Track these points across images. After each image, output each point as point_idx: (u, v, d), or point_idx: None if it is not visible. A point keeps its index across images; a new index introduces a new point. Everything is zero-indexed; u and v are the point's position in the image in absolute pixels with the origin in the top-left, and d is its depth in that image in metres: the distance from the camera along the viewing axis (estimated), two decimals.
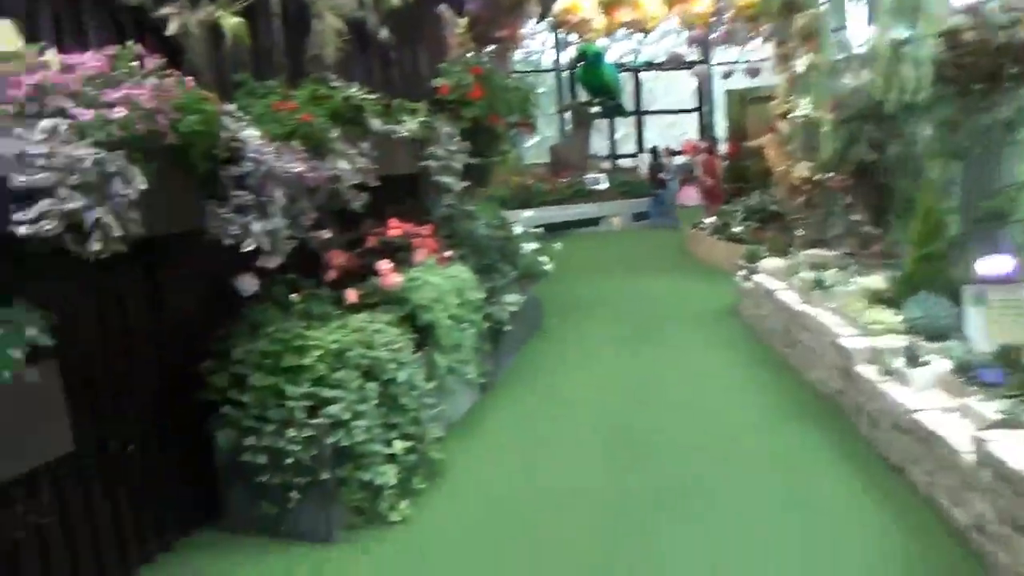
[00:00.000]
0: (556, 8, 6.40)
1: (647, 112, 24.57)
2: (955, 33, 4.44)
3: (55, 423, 2.21)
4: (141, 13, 3.27)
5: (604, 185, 17.12)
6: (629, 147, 24.20)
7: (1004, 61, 4.40)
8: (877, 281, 5.61)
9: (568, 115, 20.65)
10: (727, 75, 17.06)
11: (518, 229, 6.79)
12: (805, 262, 6.82)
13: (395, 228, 4.59)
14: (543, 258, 6.79)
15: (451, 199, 5.59)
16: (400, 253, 4.50)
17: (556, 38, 23.54)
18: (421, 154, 5.42)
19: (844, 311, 5.11)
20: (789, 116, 8.70)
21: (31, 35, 2.80)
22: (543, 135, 27.47)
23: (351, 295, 3.94)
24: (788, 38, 8.68)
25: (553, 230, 14.98)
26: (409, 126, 4.84)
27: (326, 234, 3.65)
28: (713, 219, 12.56)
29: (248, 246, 3.14)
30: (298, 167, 3.44)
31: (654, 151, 16.72)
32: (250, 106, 3.67)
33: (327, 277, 4.12)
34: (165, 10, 3.28)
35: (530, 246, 6.76)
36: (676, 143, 22.25)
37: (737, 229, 10.92)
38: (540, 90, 27.79)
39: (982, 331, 4.30)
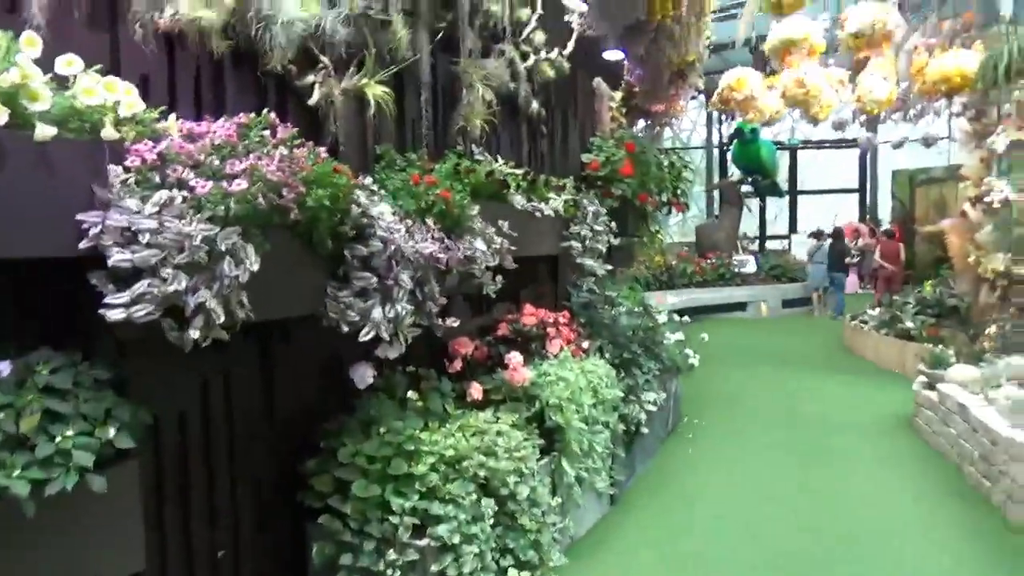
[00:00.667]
0: (720, 84, 5.97)
1: (804, 192, 23.37)
2: None
3: (122, 538, 1.90)
4: (284, 79, 3.13)
5: (752, 268, 16.17)
6: (782, 228, 23.02)
7: None
8: None
9: (717, 193, 19.91)
10: (898, 145, 15.65)
11: (662, 316, 6.23)
12: (1007, 373, 5.79)
13: (529, 315, 4.20)
14: (688, 350, 6.17)
15: (592, 283, 5.15)
16: (532, 343, 4.09)
17: (708, 114, 23.07)
18: (564, 234, 5.06)
19: None
20: (983, 200, 7.67)
21: (167, 99, 2.68)
22: (688, 214, 26.86)
23: (475, 390, 3.55)
24: (986, 111, 7.74)
25: (697, 314, 14.23)
26: (554, 204, 4.49)
27: (454, 322, 3.29)
28: (878, 311, 11.38)
29: (367, 335, 2.82)
30: (430, 247, 3.13)
31: (837, 233, 15.32)
32: (388, 180, 3.43)
33: (451, 368, 3.76)
34: (309, 78, 3.12)
35: (674, 336, 6.17)
36: (832, 225, 20.91)
37: (909, 324, 9.75)
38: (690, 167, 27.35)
39: None
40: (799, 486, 5.08)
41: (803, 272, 16.84)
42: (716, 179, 21.04)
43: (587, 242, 5.09)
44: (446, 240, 3.31)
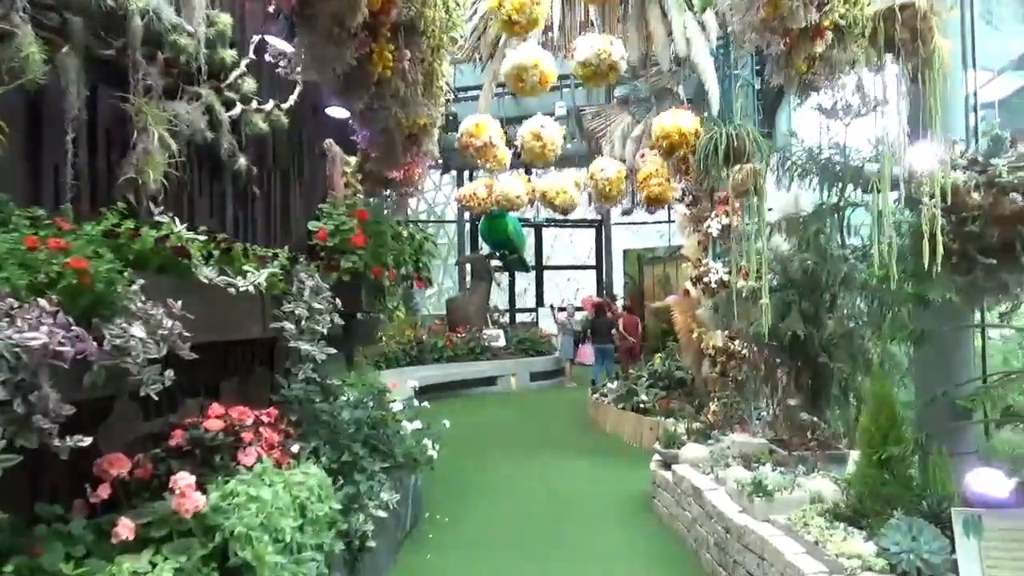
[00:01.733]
0: (461, 130, 5.59)
1: (549, 267, 24.48)
2: (955, 194, 3.80)
3: None
4: None
5: (502, 342, 16.27)
6: (530, 302, 23.80)
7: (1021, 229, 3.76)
8: (827, 486, 4.70)
9: (468, 267, 20.07)
10: (627, 212, 16.59)
11: (397, 404, 5.60)
12: (732, 451, 5.91)
13: (215, 417, 3.33)
14: (427, 440, 5.57)
15: (309, 371, 4.39)
16: (218, 455, 3.22)
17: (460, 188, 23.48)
18: (276, 313, 4.27)
19: (798, 530, 4.12)
20: (702, 279, 8.13)
21: None
22: (443, 287, 26.91)
23: (123, 528, 2.61)
24: (701, 199, 8.29)
25: (448, 390, 13.84)
26: (255, 278, 3.71)
27: (81, 440, 2.38)
28: (616, 384, 11.75)
29: None
30: (39, 338, 2.22)
31: (599, 307, 15.45)
32: None
33: (95, 496, 2.78)
34: None
35: (412, 424, 5.55)
36: (574, 300, 21.99)
37: (644, 397, 10.09)
38: (441, 241, 27.67)
39: (980, 573, 3.37)
40: None
41: (549, 345, 17.30)
42: (468, 253, 21.26)
43: (303, 323, 4.34)
44: (74, 327, 2.41)
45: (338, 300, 4.95)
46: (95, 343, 2.49)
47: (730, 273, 7.43)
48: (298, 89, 5.19)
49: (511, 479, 7.53)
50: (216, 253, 3.68)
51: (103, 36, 3.26)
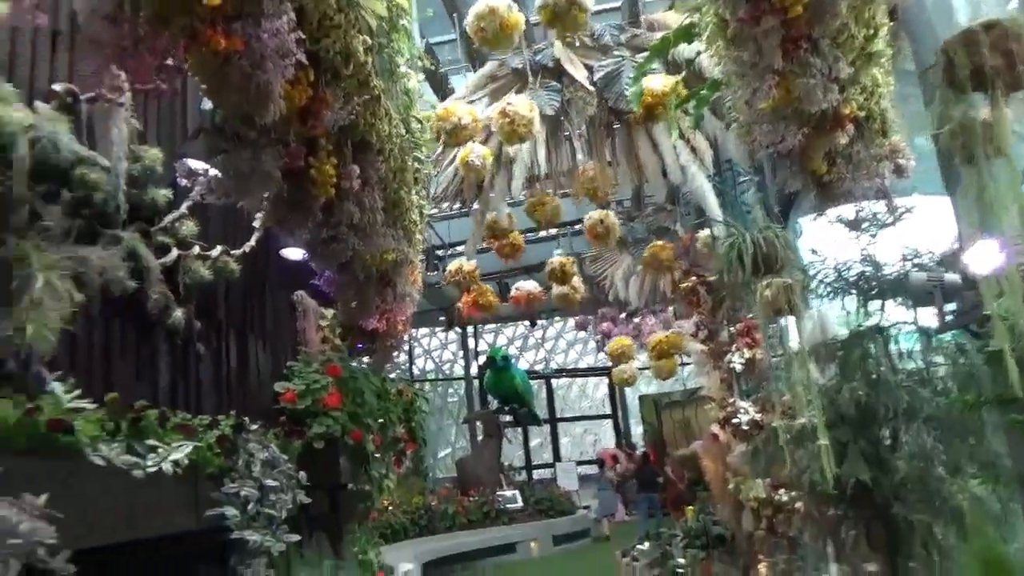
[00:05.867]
0: (436, 113, 4.85)
1: (562, 419, 23.41)
2: None
3: None
4: None
5: (519, 503, 14.99)
6: (546, 457, 22.56)
7: None
8: None
9: (478, 425, 19.08)
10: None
11: None
12: None
13: None
14: None
15: (263, 570, 3.49)
16: None
17: (465, 345, 22.95)
18: (215, 496, 3.44)
19: None
20: (730, 421, 7.22)
21: None
22: (456, 446, 25.69)
23: None
24: (718, 331, 7.57)
25: (460, 561, 12.48)
26: (170, 454, 2.92)
27: None
28: (647, 545, 10.47)
29: None
30: None
31: (645, 456, 14.75)
32: None
33: None
34: None
35: None
36: (591, 451, 20.82)
37: (681, 560, 8.84)
38: (451, 399, 26.82)
39: None
40: None
41: (570, 504, 16.01)
42: (478, 410, 20.33)
43: (252, 505, 3.49)
44: None
45: (303, 473, 4.13)
46: None
47: (763, 412, 6.57)
48: (256, 235, 4.65)
49: None
50: (126, 427, 2.92)
51: None
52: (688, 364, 12.74)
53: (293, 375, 5.21)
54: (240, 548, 3.48)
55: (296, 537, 3.75)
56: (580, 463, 20.56)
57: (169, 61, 2.36)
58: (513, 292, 9.14)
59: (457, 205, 8.62)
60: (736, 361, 6.93)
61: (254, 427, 3.97)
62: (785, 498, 6.33)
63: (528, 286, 9.11)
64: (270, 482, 3.63)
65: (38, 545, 2.14)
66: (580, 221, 10.12)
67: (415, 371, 22.96)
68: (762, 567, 6.39)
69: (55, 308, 2.78)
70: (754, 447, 5.84)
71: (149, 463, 2.79)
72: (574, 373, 23.81)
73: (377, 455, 5.73)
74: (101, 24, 1.99)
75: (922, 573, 4.41)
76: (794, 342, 4.50)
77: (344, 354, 5.86)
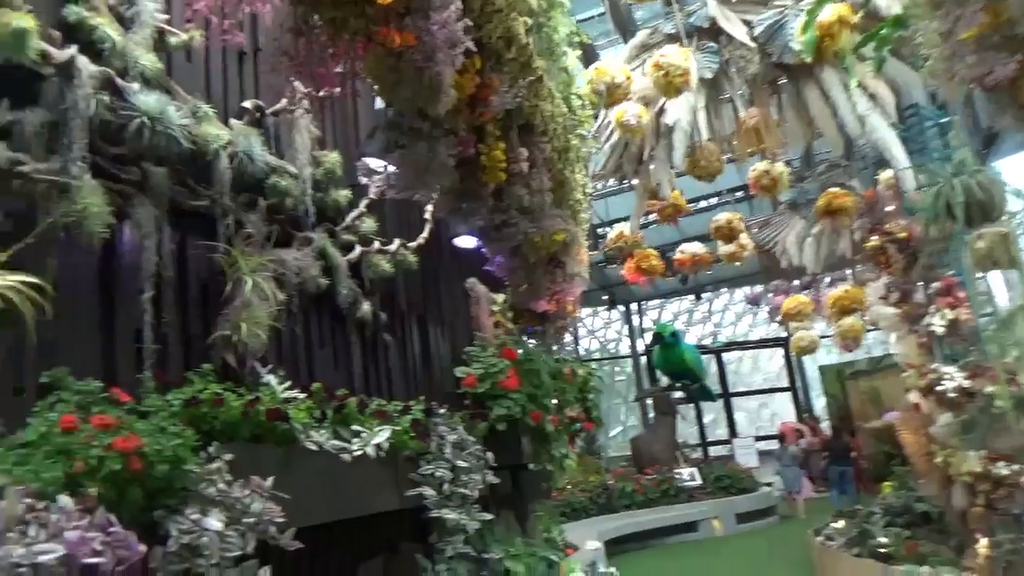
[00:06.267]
0: (587, 78, 4.71)
1: (736, 394, 22.62)
2: None
3: None
4: None
5: (697, 481, 14.65)
6: (722, 433, 21.92)
7: None
8: None
9: (649, 403, 18.83)
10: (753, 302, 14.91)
11: (577, 567, 4.63)
12: None
13: None
14: None
15: (461, 545, 3.62)
16: None
17: (629, 322, 22.76)
18: (413, 476, 3.61)
19: None
20: (933, 390, 6.61)
21: None
22: (627, 425, 25.59)
23: None
24: (911, 291, 6.95)
25: (640, 540, 12.42)
26: (374, 438, 3.09)
27: None
28: (841, 523, 9.87)
29: None
30: (52, 551, 1.66)
31: (836, 430, 14.33)
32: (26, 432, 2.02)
33: None
34: None
35: None
36: (769, 426, 19.97)
37: (883, 540, 8.24)
38: (619, 378, 26.70)
39: None
40: None
41: (752, 481, 15.44)
42: (647, 388, 20.08)
43: (446, 486, 3.64)
44: (115, 528, 1.84)
45: (491, 454, 4.25)
46: (144, 547, 1.91)
47: (974, 377, 5.95)
48: (428, 227, 4.82)
49: None
50: (331, 414, 3.13)
51: (191, 186, 2.96)
52: (873, 330, 11.83)
53: (471, 360, 5.37)
54: (439, 526, 3.64)
55: (489, 516, 3.87)
56: (758, 439, 19.77)
57: (341, 68, 2.48)
58: (677, 255, 8.84)
59: (616, 181, 8.49)
60: (937, 324, 6.32)
61: (441, 411, 4.12)
62: (1006, 471, 5.72)
63: (693, 247, 8.79)
64: (461, 463, 3.77)
65: (269, 524, 2.34)
66: (745, 187, 9.65)
67: (580, 352, 23.03)
68: (981, 547, 5.83)
69: (263, 307, 3.03)
70: (966, 417, 5.32)
71: (355, 447, 2.98)
72: (745, 345, 22.90)
73: (557, 435, 5.80)
74: (287, 37, 2.11)
75: None
76: (1006, 298, 4.04)
77: (518, 337, 5.96)
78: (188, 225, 2.94)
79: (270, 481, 2.38)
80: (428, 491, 3.54)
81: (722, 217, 7.88)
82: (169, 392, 2.54)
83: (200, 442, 2.31)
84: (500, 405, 5.02)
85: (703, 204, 13.62)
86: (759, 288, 16.10)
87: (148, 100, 2.62)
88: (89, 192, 2.37)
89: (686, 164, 6.62)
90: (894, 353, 9.69)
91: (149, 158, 2.72)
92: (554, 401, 5.79)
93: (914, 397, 7.40)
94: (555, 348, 7.52)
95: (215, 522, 2.17)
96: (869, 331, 12.43)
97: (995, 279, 6.15)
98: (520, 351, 5.36)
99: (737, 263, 9.66)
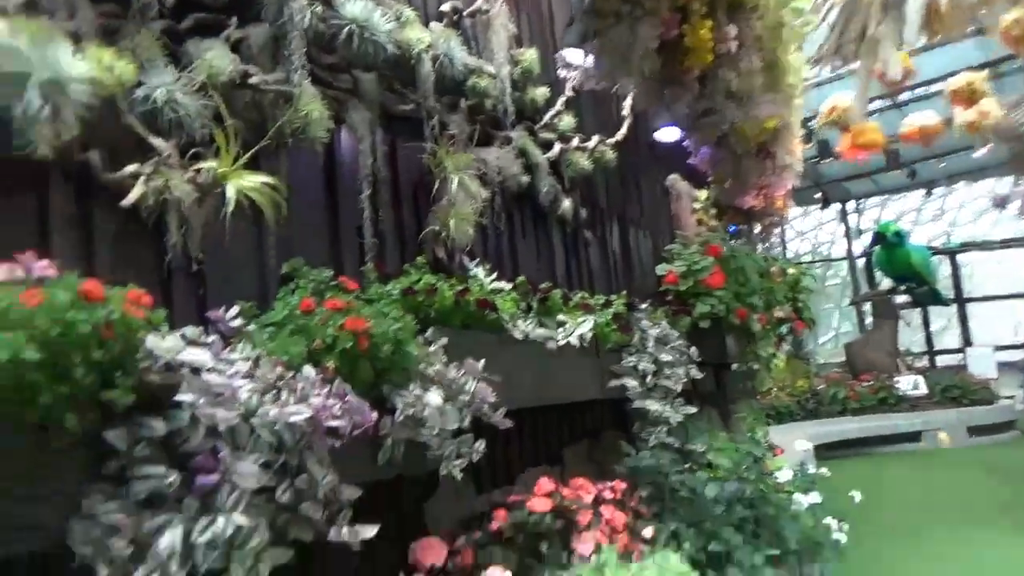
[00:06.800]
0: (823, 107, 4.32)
1: (971, 299, 20.37)
2: None
3: None
4: (77, 170, 2.10)
5: (922, 390, 13.58)
6: (951, 341, 20.01)
7: None
8: None
9: (867, 307, 17.53)
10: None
11: (784, 473, 4.54)
12: None
13: (541, 496, 2.79)
14: (829, 519, 4.38)
15: (664, 436, 3.67)
16: (547, 541, 2.65)
17: (846, 222, 21.10)
18: (615, 368, 3.68)
19: None
20: None
21: None
22: (840, 331, 24.13)
23: None
24: None
25: (852, 447, 11.86)
26: (577, 329, 3.17)
27: (360, 533, 1.98)
28: None
29: None
30: (301, 412, 1.90)
31: None
32: (268, 314, 2.30)
33: None
34: (128, 169, 2.09)
35: (807, 499, 4.43)
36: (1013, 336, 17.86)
37: None
38: (833, 282, 25.06)
39: None
40: None
41: (989, 392, 14.05)
42: (865, 291, 18.67)
43: (649, 378, 3.67)
44: (350, 397, 2.07)
45: (694, 350, 4.21)
46: (375, 414, 2.12)
47: None
48: (627, 122, 4.71)
49: (954, 572, 5.76)
50: (535, 305, 3.24)
51: (398, 90, 3.10)
52: None
53: (672, 257, 5.29)
54: (641, 416, 3.69)
55: (692, 409, 3.86)
56: (998, 348, 17.79)
57: None
58: (903, 128, 7.75)
59: (834, 67, 7.70)
60: None
61: (643, 306, 4.12)
62: None
63: (921, 118, 7.60)
64: (664, 356, 3.77)
65: (483, 402, 2.51)
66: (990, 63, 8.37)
67: (789, 255, 21.82)
68: None
69: (468, 204, 3.16)
70: None
71: (559, 336, 3.07)
72: (987, 246, 20.34)
73: (764, 335, 5.61)
74: None
75: None
76: None
77: (722, 235, 5.76)
78: (397, 128, 3.10)
79: (482, 364, 2.53)
80: (631, 382, 3.59)
81: (961, 78, 6.69)
82: (388, 283, 2.75)
83: (418, 327, 2.49)
84: (703, 303, 4.93)
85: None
86: (1007, 184, 14.09)
87: (355, 8, 2.75)
88: (310, 99, 2.56)
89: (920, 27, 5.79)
90: None
91: (359, 65, 2.87)
92: (763, 300, 5.58)
93: None
94: (762, 247, 7.17)
95: (435, 398, 2.36)
96: None
97: None
98: (725, 248, 5.19)
99: (978, 152, 8.42)
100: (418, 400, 2.32)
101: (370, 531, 2.01)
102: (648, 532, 3.05)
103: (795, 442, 6.63)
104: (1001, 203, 13.99)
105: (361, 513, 2.03)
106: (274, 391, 1.96)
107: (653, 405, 3.61)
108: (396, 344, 2.31)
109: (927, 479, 9.95)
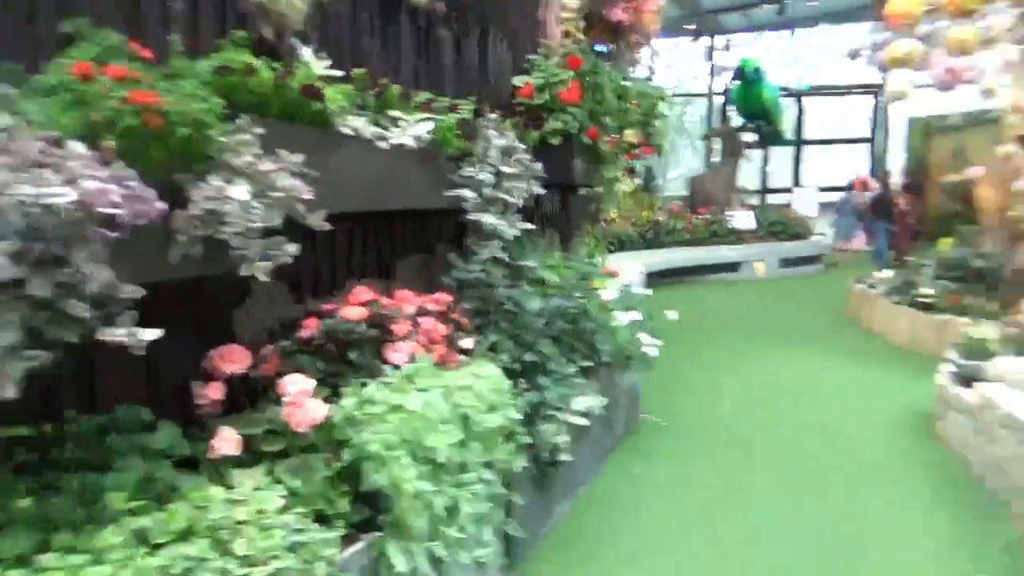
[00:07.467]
0: None
1: (808, 142, 21.63)
2: None
3: None
4: None
5: (751, 224, 14.59)
6: (784, 181, 21.39)
7: None
8: None
9: (718, 144, 18.19)
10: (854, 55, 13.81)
11: (609, 293, 4.73)
12: None
13: (356, 304, 2.70)
14: (644, 335, 4.68)
15: (497, 250, 3.64)
16: (358, 349, 2.60)
17: (712, 58, 21.27)
18: (454, 178, 3.53)
19: None
20: None
21: None
22: (690, 168, 25.05)
23: (223, 441, 2.08)
24: None
25: (682, 275, 12.74)
26: (412, 129, 2.95)
27: (146, 335, 1.81)
28: (888, 274, 9.87)
29: None
30: (65, 195, 1.63)
31: (884, 183, 14.26)
32: (36, 80, 1.92)
33: (205, 400, 2.28)
34: None
35: (628, 316, 4.68)
36: (837, 179, 19.26)
37: (928, 291, 8.20)
38: (691, 119, 25.63)
39: None
40: (784, 531, 3.65)
41: (805, 228, 15.37)
42: (719, 126, 19.28)
43: (488, 190, 3.56)
44: (131, 183, 1.80)
45: (539, 166, 4.12)
46: (163, 205, 1.87)
47: None
48: None
49: (746, 382, 6.47)
50: (371, 100, 2.97)
51: None
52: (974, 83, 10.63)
53: (532, 68, 5.05)
54: (476, 229, 3.63)
55: (529, 225, 3.84)
56: (823, 189, 19.27)
57: None
58: None
59: None
60: None
61: (492, 115, 3.93)
62: None
63: None
64: (506, 168, 3.66)
65: (296, 200, 2.30)
66: None
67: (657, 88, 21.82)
68: None
69: None
70: None
71: (392, 135, 2.85)
72: (832, 91, 21.32)
73: (612, 157, 5.62)
74: None
75: None
76: None
77: (585, 48, 5.53)
78: None
79: (299, 158, 2.30)
80: (468, 193, 3.47)
81: None
82: (199, 59, 2.38)
83: (228, 113, 2.20)
84: (556, 118, 4.80)
85: None
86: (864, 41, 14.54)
87: None
88: None
89: None
90: (992, 107, 8.92)
91: None
92: (614, 123, 5.52)
93: (1009, 147, 6.90)
94: (629, 70, 7.03)
95: (240, 192, 2.13)
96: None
97: None
98: (586, 61, 5.00)
99: None
100: (220, 193, 2.08)
101: (153, 334, 1.83)
102: (468, 343, 3.09)
103: (630, 268, 6.94)
104: (854, 54, 14.49)
105: (157, 317, 1.85)
106: (36, 168, 1.66)
107: (489, 218, 3.53)
108: (197, 127, 2.03)
109: (736, 304, 10.97)
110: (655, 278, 11.56)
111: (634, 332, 4.58)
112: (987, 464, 4.20)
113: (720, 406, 5.71)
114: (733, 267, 13.48)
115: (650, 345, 4.67)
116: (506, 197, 3.62)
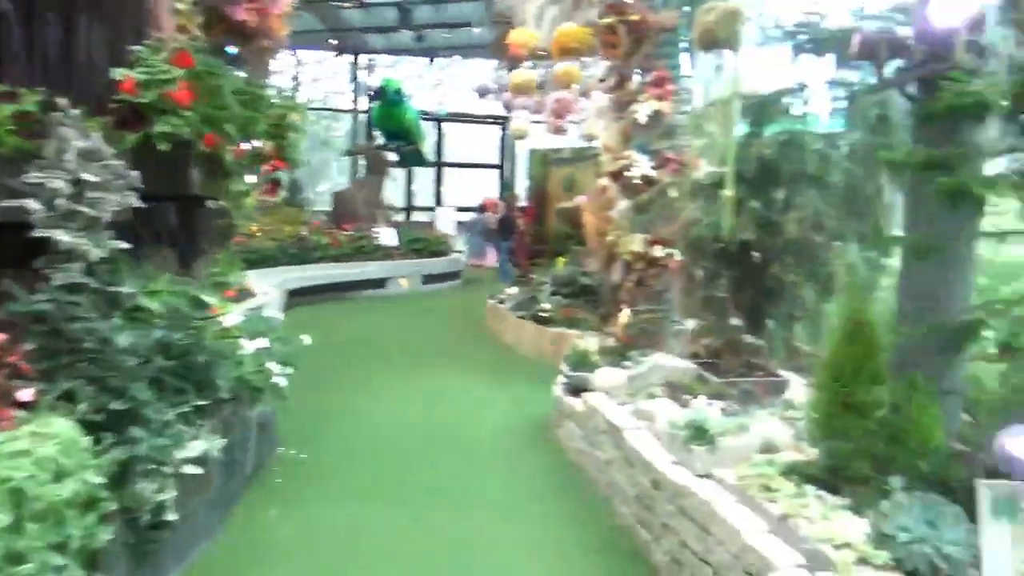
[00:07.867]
0: None
1: (448, 164, 22.98)
2: None
3: None
4: None
5: (395, 242, 14.85)
6: (426, 201, 22.39)
7: None
8: (779, 430, 3.78)
9: (362, 160, 18.28)
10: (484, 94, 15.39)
11: (233, 318, 4.24)
12: (654, 376, 4.96)
13: None
14: (273, 364, 4.26)
15: (78, 276, 2.97)
16: None
17: (356, 76, 21.37)
18: (12, 185, 2.80)
19: (754, 495, 3.16)
20: (622, 175, 6.97)
21: None
22: (337, 183, 24.85)
23: None
24: (629, 77, 7.04)
25: (328, 292, 12.45)
26: None
27: None
28: (515, 290, 10.73)
29: None
30: None
31: (509, 205, 15.33)
32: None
33: None
34: None
35: (255, 344, 4.22)
36: (472, 200, 20.70)
37: (546, 306, 9.03)
38: (337, 134, 25.43)
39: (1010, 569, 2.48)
40: (407, 551, 3.54)
41: (446, 246, 16.15)
42: (362, 143, 19.37)
43: (62, 201, 2.88)
44: None
45: (136, 174, 3.49)
46: None
47: (660, 167, 6.33)
48: None
49: (388, 404, 6.41)
50: None
51: None
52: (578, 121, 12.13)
53: (137, 61, 4.34)
54: (49, 249, 2.92)
55: (123, 244, 3.21)
56: (459, 209, 20.52)
57: None
58: None
59: None
60: (642, 112, 6.49)
61: (73, 111, 3.23)
62: (660, 253, 6.33)
63: None
64: (88, 176, 3.00)
65: None
66: None
67: (300, 100, 21.29)
68: (622, 316, 6.53)
69: None
70: (644, 199, 5.65)
71: None
72: (467, 118, 22.88)
73: (237, 169, 5.12)
74: None
75: (782, 331, 4.53)
76: (713, 92, 4.10)
77: (203, 47, 4.95)
78: None
79: None
80: (33, 204, 2.77)
81: None
82: None
83: None
84: (165, 121, 4.18)
85: None
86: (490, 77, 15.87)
87: None
88: None
89: None
90: (593, 145, 10.17)
91: None
92: (242, 131, 5.03)
93: (604, 181, 7.84)
94: (263, 80, 6.53)
95: None
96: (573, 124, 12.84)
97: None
98: (199, 62, 4.44)
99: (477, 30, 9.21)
100: None
101: None
102: (27, 394, 2.42)
103: (271, 287, 6.44)
104: (483, 92, 15.68)
105: None
106: None
107: (64, 236, 2.86)
108: None
109: (382, 321, 11.01)
110: (301, 295, 11.12)
111: (261, 361, 4.15)
112: (595, 466, 4.60)
113: (356, 429, 5.53)
114: (380, 283, 13.60)
115: (280, 375, 4.28)
116: (88, 211, 2.97)
